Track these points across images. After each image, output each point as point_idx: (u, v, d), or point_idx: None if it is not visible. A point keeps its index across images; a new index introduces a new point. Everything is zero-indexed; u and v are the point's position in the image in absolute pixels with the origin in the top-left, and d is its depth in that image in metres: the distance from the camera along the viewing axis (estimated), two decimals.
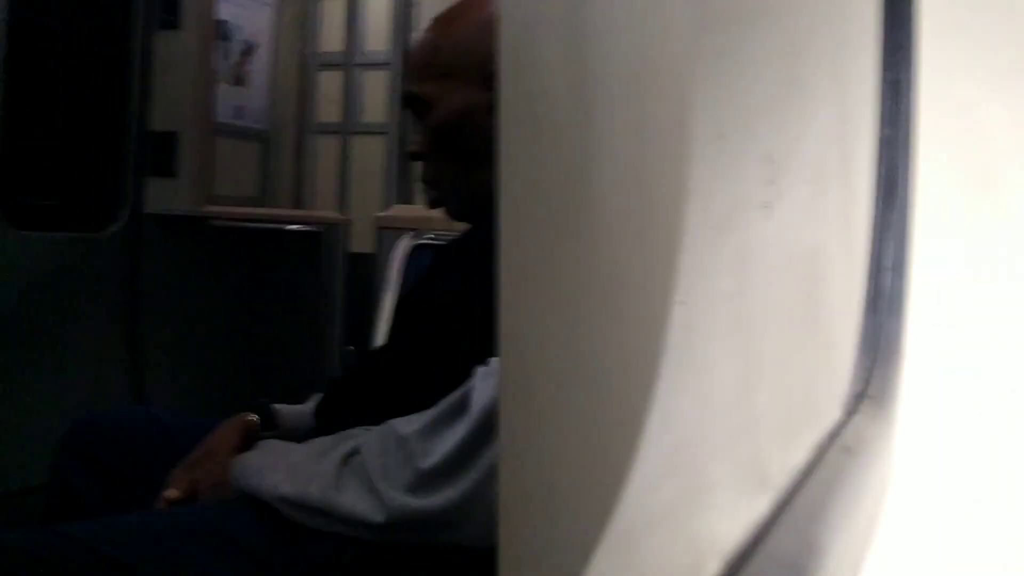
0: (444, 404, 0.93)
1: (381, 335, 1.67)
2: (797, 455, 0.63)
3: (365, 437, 0.99)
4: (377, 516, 0.92)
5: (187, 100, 2.79)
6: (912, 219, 1.05)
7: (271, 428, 1.23)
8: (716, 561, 0.49)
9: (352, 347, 2.82)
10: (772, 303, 0.60)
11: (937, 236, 1.07)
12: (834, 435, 0.71)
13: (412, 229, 1.92)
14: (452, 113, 1.15)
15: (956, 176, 1.10)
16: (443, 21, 1.20)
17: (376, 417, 1.01)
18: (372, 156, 3.06)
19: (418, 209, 2.40)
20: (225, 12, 3.38)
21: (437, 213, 1.28)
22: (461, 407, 0.91)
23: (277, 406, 1.26)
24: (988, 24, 1.10)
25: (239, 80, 3.63)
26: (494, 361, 0.91)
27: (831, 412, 0.76)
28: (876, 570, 0.83)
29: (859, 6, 0.90)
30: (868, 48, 0.96)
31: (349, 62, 2.92)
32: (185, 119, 2.80)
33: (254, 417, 1.23)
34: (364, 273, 2.63)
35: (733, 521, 0.50)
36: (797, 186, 0.63)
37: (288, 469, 1.00)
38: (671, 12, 0.46)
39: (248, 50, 3.66)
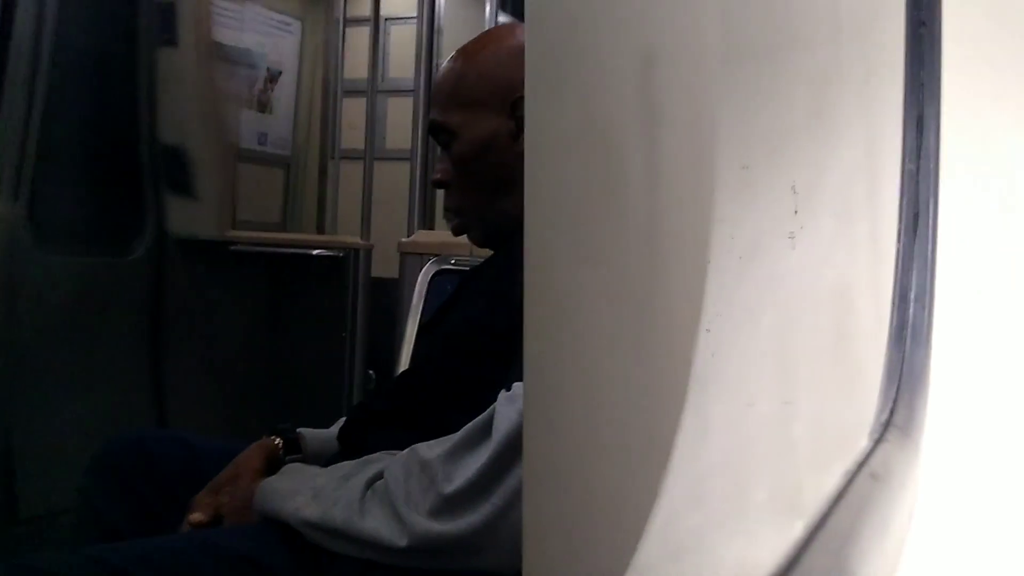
0: (468, 429, 0.93)
1: (404, 360, 1.68)
2: (827, 481, 0.63)
3: (389, 462, 0.99)
4: (400, 540, 0.92)
5: (193, 117, 2.81)
6: (936, 251, 1.05)
7: (295, 452, 1.24)
8: None
9: (372, 372, 2.83)
10: (800, 332, 0.60)
11: (962, 268, 1.07)
12: (861, 462, 0.71)
13: (435, 255, 1.94)
14: (476, 142, 1.17)
15: (980, 209, 1.10)
16: (468, 51, 1.21)
17: (400, 442, 1.01)
18: (395, 182, 3.08)
19: (441, 235, 2.41)
20: (249, 40, 3.43)
21: (460, 239, 1.29)
22: (484, 432, 0.92)
23: (301, 430, 1.27)
24: (1011, 57, 1.11)
25: (263, 107, 3.67)
26: (517, 386, 0.91)
27: (859, 440, 0.76)
28: None
29: (885, 41, 0.90)
30: (894, 82, 0.97)
31: (373, 89, 2.95)
32: (194, 135, 2.81)
33: (278, 441, 1.23)
34: (387, 298, 2.64)
35: (763, 548, 0.50)
36: (822, 217, 0.63)
37: (312, 493, 1.01)
38: (700, 42, 0.47)
39: (272, 77, 3.70)
